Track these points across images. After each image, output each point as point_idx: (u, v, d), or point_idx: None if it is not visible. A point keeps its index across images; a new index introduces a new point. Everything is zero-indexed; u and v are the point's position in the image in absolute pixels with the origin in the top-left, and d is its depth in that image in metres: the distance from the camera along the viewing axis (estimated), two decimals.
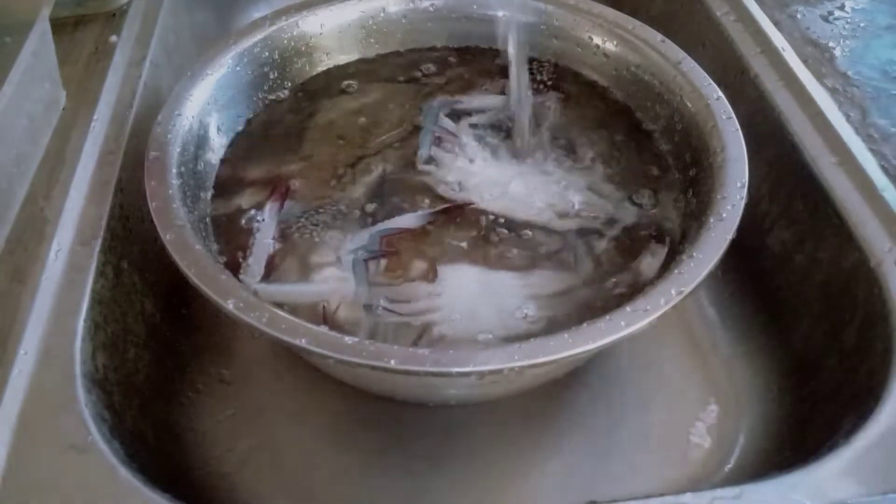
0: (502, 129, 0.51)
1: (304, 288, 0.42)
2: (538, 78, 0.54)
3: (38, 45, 0.47)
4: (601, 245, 0.44)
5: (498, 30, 0.54)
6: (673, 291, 0.36)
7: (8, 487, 0.34)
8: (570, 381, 0.48)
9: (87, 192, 0.45)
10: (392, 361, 0.33)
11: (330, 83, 0.55)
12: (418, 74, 0.55)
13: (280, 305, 0.37)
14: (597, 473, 0.45)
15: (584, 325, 0.35)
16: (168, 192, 0.41)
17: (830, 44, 0.56)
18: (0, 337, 0.38)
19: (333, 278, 0.42)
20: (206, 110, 0.48)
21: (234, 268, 0.42)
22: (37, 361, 0.38)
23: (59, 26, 0.55)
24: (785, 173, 0.50)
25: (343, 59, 0.56)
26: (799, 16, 0.58)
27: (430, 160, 0.49)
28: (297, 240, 0.44)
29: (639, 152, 0.50)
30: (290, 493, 0.44)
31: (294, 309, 0.40)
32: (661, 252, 0.43)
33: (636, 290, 0.41)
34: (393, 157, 0.50)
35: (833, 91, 0.51)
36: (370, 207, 0.46)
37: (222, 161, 0.49)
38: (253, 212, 0.46)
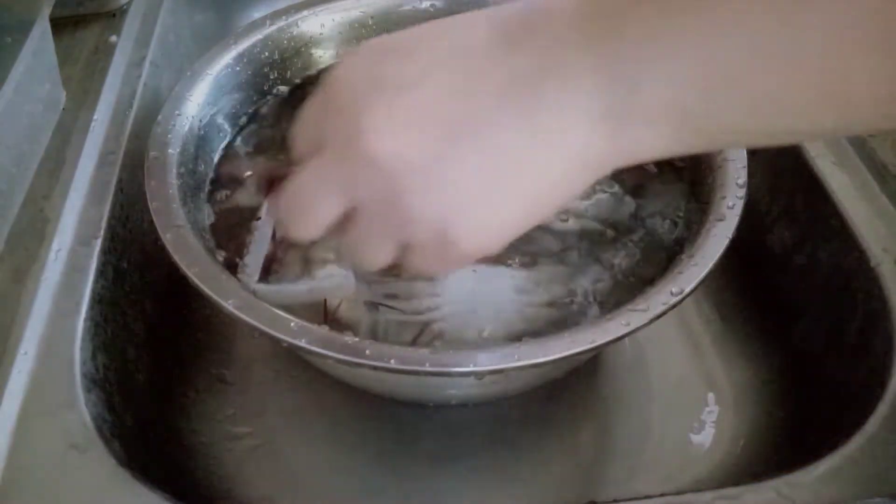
0: None
1: (304, 286, 0.42)
2: None
3: (38, 44, 0.47)
4: (602, 245, 0.44)
5: None
6: (673, 291, 0.36)
7: (8, 487, 0.34)
8: (570, 381, 0.48)
9: (87, 192, 0.45)
10: (392, 361, 0.33)
11: None
12: None
13: (279, 304, 0.37)
14: (597, 473, 0.45)
15: (584, 324, 0.35)
16: (168, 192, 0.41)
17: None
18: (0, 337, 0.38)
19: (333, 276, 0.42)
20: (206, 110, 0.48)
21: (233, 267, 0.42)
22: (37, 361, 0.38)
23: (59, 26, 0.55)
24: (785, 173, 0.50)
25: None
26: None
27: None
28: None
29: None
30: (290, 493, 0.44)
31: (294, 308, 0.40)
32: (661, 252, 0.43)
33: (637, 289, 0.41)
34: None
35: None
36: None
37: (222, 160, 0.49)
38: (252, 211, 0.46)
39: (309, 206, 0.29)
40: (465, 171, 0.26)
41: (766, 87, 0.23)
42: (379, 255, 0.29)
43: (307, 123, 0.30)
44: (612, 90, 0.24)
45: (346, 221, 0.29)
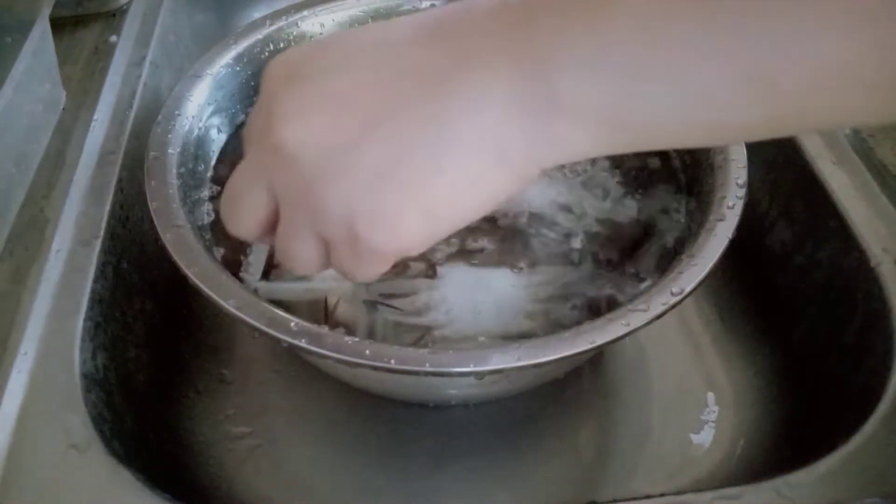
0: None
1: (304, 285, 0.42)
2: None
3: (38, 44, 0.47)
4: (602, 244, 0.44)
5: None
6: (673, 291, 0.36)
7: (8, 487, 0.34)
8: (571, 381, 0.48)
9: (87, 192, 0.45)
10: (392, 361, 0.33)
11: None
12: None
13: (280, 303, 0.37)
14: (597, 473, 0.45)
15: (585, 324, 0.35)
16: (168, 191, 0.41)
17: None
18: (0, 337, 0.38)
19: (333, 275, 0.42)
20: (206, 110, 0.48)
21: (233, 266, 0.42)
22: (37, 361, 0.38)
23: (59, 26, 0.55)
24: (785, 173, 0.50)
25: None
26: None
27: None
28: None
29: (639, 152, 0.50)
30: (290, 493, 0.44)
31: (294, 306, 0.40)
32: (661, 252, 0.43)
33: (637, 289, 0.41)
34: None
35: None
36: None
37: (222, 160, 0.49)
38: None
39: (238, 203, 0.28)
40: (373, 161, 0.24)
41: (694, 79, 0.22)
42: (305, 254, 0.27)
43: (249, 122, 0.29)
44: (527, 81, 0.23)
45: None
